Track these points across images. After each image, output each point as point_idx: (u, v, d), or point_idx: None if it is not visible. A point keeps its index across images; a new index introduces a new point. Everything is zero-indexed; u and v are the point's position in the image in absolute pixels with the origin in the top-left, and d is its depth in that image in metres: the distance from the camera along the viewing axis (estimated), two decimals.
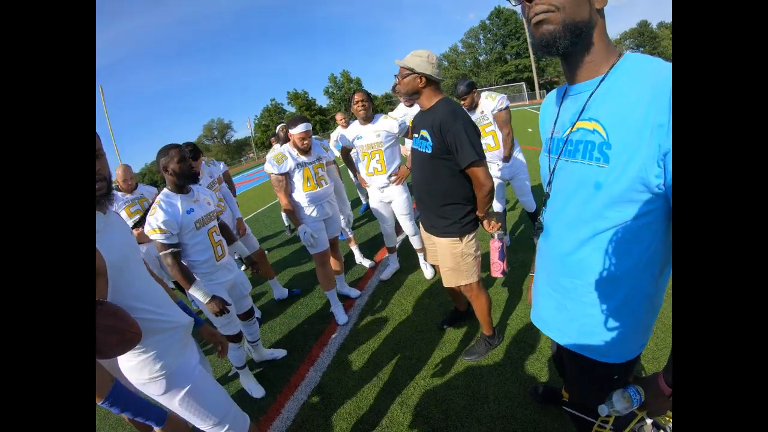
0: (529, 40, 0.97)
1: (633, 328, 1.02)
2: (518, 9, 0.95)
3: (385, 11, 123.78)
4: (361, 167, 3.50)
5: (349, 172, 4.68)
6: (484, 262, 2.28)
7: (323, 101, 54.68)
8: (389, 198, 3.48)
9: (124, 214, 3.62)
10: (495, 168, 3.61)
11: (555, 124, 1.08)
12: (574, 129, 0.97)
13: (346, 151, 3.74)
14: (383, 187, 3.44)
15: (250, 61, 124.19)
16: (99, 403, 1.08)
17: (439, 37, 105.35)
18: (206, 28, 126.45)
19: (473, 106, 3.48)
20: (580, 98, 0.97)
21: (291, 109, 52.62)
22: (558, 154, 1.04)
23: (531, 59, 40.07)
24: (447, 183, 2.09)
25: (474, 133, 1.97)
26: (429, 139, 2.06)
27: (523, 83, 40.06)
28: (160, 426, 1.24)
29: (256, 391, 2.60)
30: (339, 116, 5.09)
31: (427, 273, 3.74)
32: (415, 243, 3.71)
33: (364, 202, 6.74)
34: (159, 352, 1.40)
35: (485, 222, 2.15)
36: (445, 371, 2.44)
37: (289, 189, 3.06)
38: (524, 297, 3.02)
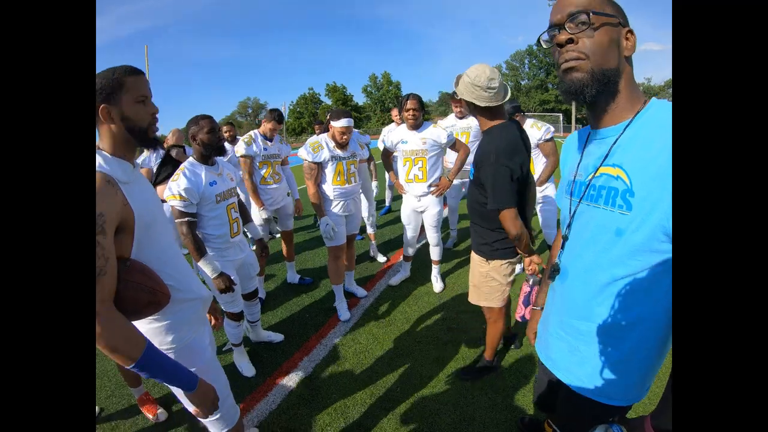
0: (558, 84, 0.96)
1: (644, 372, 1.02)
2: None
3: (437, 21, 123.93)
4: (401, 173, 3.44)
5: (386, 172, 4.61)
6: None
7: (360, 98, 55.00)
8: (423, 207, 3.44)
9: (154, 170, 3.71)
10: None
11: (578, 166, 1.07)
12: (598, 174, 0.97)
13: (387, 153, 3.69)
14: (421, 196, 3.39)
15: (296, 46, 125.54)
16: (128, 366, 1.01)
17: (485, 54, 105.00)
18: (258, 5, 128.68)
19: None
20: (604, 143, 0.96)
21: (327, 101, 53.02)
22: (579, 197, 1.03)
23: None
24: (483, 208, 2.05)
25: (505, 179, 1.84)
26: (472, 166, 2.07)
27: (561, 114, 39.54)
28: (191, 391, 1.16)
29: (247, 369, 2.62)
30: (395, 112, 4.99)
31: (437, 287, 3.71)
32: (434, 254, 3.68)
33: (387, 204, 6.75)
34: (173, 323, 1.31)
35: (526, 260, 2.01)
36: (438, 386, 2.42)
37: (319, 179, 3.07)
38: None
